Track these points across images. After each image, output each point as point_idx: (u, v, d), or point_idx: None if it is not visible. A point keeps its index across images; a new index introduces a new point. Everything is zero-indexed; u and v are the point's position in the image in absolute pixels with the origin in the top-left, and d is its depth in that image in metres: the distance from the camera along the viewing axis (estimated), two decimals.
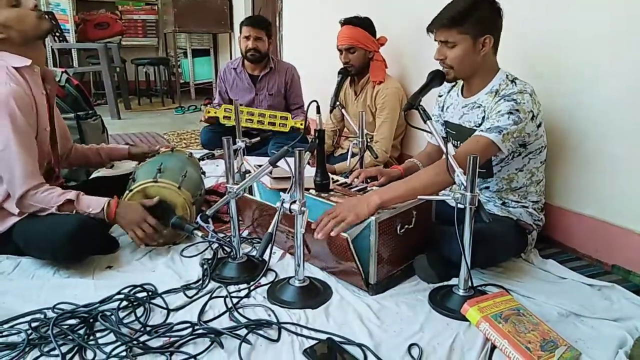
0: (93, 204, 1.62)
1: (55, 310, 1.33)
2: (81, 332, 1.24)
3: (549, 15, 1.85)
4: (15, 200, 1.56)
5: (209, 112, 2.99)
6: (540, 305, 1.41)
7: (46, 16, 1.64)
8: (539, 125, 1.58)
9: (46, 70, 1.77)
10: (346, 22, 2.53)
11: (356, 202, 1.46)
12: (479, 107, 1.64)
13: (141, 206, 1.69)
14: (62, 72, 2.73)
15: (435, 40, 1.59)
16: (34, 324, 1.25)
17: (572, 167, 1.83)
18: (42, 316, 1.30)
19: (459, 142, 1.71)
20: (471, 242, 1.33)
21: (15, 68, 1.58)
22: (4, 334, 1.23)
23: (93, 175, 2.37)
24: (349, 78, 2.69)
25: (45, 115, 1.68)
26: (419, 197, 1.44)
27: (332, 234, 1.37)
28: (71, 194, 1.60)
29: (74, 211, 1.60)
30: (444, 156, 1.39)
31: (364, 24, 2.52)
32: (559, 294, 1.48)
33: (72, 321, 1.28)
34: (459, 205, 1.30)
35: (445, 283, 1.50)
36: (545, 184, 1.74)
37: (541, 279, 1.59)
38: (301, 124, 2.89)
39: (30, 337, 1.20)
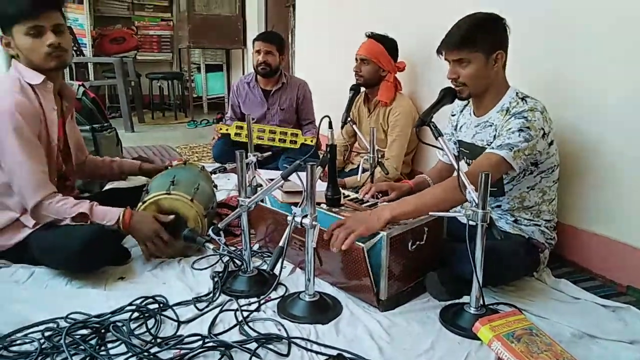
0: (108, 216, 1.64)
1: (68, 319, 1.34)
2: (93, 342, 1.25)
3: (558, 34, 1.86)
4: (29, 211, 1.58)
5: (220, 129, 3.06)
6: (553, 326, 1.39)
7: (59, 54, 1.60)
8: (550, 144, 1.58)
9: (66, 87, 1.80)
10: (371, 36, 2.59)
11: (367, 215, 1.46)
12: (490, 125, 1.64)
13: (155, 219, 1.70)
14: (79, 85, 2.79)
15: (446, 59, 1.61)
16: (47, 333, 1.26)
17: (584, 186, 1.82)
18: (55, 325, 1.31)
19: (471, 161, 1.71)
20: (483, 259, 1.33)
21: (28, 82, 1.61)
22: (18, 342, 1.24)
23: (107, 187, 2.40)
24: (363, 95, 2.72)
25: (55, 130, 1.69)
26: (430, 213, 1.44)
27: (343, 247, 1.37)
28: (84, 207, 1.61)
29: (89, 222, 1.61)
30: (455, 173, 1.40)
31: (386, 43, 2.57)
32: (572, 314, 1.46)
33: (84, 331, 1.28)
34: (471, 222, 1.30)
35: (457, 301, 1.49)
36: (557, 202, 1.73)
37: (554, 299, 1.57)
38: (311, 141, 2.91)
39: (43, 347, 1.21)
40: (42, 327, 1.30)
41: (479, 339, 1.27)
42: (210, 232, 1.56)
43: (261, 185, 2.02)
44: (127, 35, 6.21)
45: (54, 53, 1.59)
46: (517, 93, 1.62)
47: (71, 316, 1.35)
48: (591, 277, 1.76)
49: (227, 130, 3.00)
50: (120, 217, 1.64)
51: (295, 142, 2.94)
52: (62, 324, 1.32)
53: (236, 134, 2.98)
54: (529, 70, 1.93)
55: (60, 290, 1.54)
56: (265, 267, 1.71)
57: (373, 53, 2.53)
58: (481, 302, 1.38)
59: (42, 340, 1.23)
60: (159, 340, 1.26)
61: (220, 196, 2.44)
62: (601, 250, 1.77)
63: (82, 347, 1.21)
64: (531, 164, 1.59)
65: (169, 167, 2.10)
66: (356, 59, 2.60)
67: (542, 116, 1.53)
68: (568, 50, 1.84)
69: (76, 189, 1.96)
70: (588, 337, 1.35)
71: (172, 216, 1.73)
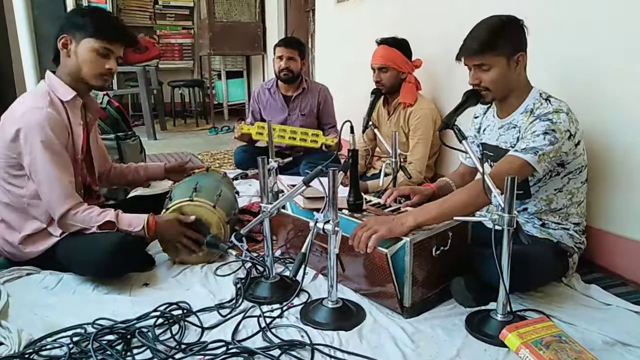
0: (134, 222, 1.67)
1: (95, 325, 1.36)
2: (119, 347, 1.27)
3: (585, 33, 1.82)
4: (56, 220, 1.62)
5: (242, 128, 3.03)
6: (583, 333, 1.36)
7: (107, 79, 1.69)
8: (577, 144, 1.55)
9: (92, 101, 1.84)
10: (382, 42, 2.55)
11: (390, 219, 1.45)
12: (514, 127, 1.61)
13: (177, 221, 1.73)
14: (104, 95, 2.85)
15: (466, 64, 1.58)
16: (75, 339, 1.28)
17: (614, 188, 1.77)
18: (83, 331, 1.34)
19: (495, 164, 1.69)
20: (509, 265, 1.30)
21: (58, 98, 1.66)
22: (48, 347, 1.27)
23: (131, 194, 2.44)
24: (382, 98, 2.70)
25: (79, 145, 1.73)
26: (455, 218, 1.42)
27: (368, 250, 1.36)
28: (110, 215, 1.64)
29: (115, 229, 1.64)
30: (477, 176, 1.37)
31: (399, 45, 2.53)
32: (603, 321, 1.41)
33: (111, 337, 1.31)
34: (497, 227, 1.28)
35: (483, 307, 1.46)
36: (586, 205, 1.69)
37: (584, 305, 1.53)
38: (332, 141, 2.90)
39: (72, 351, 1.24)
40: (70, 333, 1.32)
41: (506, 346, 1.25)
42: (232, 238, 1.57)
43: (283, 191, 2.02)
44: (149, 44, 6.31)
45: (104, 77, 1.68)
46: (540, 94, 1.59)
47: (98, 322, 1.37)
48: (623, 283, 1.71)
49: (248, 130, 3.01)
50: (145, 223, 1.67)
51: (316, 142, 2.93)
52: (90, 329, 1.35)
53: (258, 133, 2.98)
54: (555, 70, 1.89)
55: (87, 297, 1.57)
56: (287, 273, 1.71)
57: (389, 59, 2.50)
58: (508, 308, 1.35)
59: (70, 346, 1.26)
60: (183, 346, 1.27)
61: (242, 202, 2.45)
62: (633, 255, 1.71)
63: (108, 352, 1.23)
64: (558, 164, 1.56)
65: (192, 174, 2.13)
66: (373, 69, 2.56)
67: (568, 117, 1.50)
68: (594, 49, 1.79)
69: (102, 197, 2.00)
70: (621, 344, 1.30)
71: (193, 217, 1.75)
